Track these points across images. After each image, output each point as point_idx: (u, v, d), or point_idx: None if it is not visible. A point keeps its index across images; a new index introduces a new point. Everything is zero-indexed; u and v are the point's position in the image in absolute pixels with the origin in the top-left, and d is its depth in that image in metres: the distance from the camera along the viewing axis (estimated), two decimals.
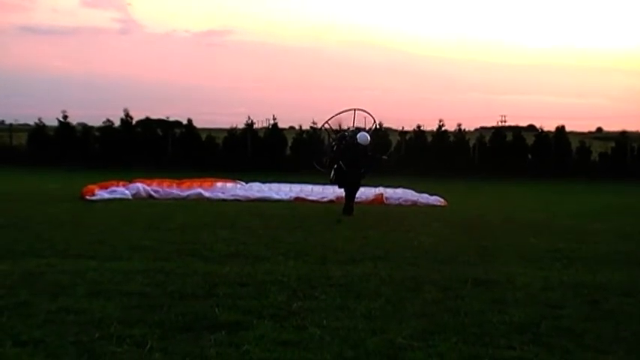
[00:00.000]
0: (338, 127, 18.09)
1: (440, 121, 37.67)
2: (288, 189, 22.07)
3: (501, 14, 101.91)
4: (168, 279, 8.58)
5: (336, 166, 16.35)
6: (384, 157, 18.05)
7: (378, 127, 24.42)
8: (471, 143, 37.67)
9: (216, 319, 6.71)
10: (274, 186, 22.54)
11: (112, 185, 20.17)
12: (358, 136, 16.26)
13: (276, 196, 20.82)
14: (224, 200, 19.83)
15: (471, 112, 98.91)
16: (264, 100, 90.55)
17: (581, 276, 9.43)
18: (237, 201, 19.91)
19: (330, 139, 17.76)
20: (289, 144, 36.47)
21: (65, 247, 10.90)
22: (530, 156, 37.01)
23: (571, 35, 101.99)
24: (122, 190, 19.80)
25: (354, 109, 17.70)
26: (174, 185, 21.29)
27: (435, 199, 20.25)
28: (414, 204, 19.88)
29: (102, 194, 19.16)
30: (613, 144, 37.35)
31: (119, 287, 8.01)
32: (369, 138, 16.43)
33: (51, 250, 10.48)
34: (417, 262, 10.29)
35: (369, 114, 18.14)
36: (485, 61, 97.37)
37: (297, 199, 20.50)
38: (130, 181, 20.81)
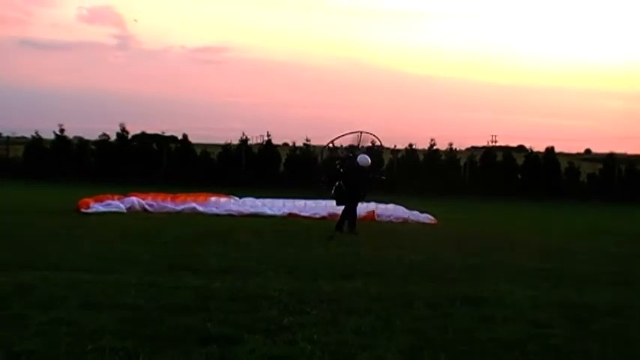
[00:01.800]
0: (341, 147, 18.11)
1: (431, 140, 37.86)
2: (281, 204, 22.00)
3: (493, 36, 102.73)
4: (160, 292, 8.56)
5: (337, 183, 16.36)
6: (383, 177, 18.14)
7: (380, 148, 24.48)
8: (462, 162, 37.79)
9: (207, 333, 6.69)
10: (267, 201, 22.44)
11: (107, 199, 20.17)
12: (359, 158, 16.39)
13: (270, 212, 20.77)
14: (217, 215, 19.86)
15: (461, 132, 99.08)
16: (259, 117, 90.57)
17: (568, 295, 9.45)
18: (230, 216, 19.93)
19: (335, 158, 17.75)
20: (283, 160, 36.50)
21: (59, 259, 10.89)
22: (519, 176, 37.13)
23: (562, 58, 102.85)
24: (117, 204, 19.82)
25: (360, 132, 17.70)
26: (169, 199, 21.28)
27: (425, 217, 20.28)
28: (405, 221, 19.90)
29: (97, 207, 19.15)
30: (601, 165, 37.54)
31: (112, 300, 7.99)
32: (369, 160, 16.56)
33: (45, 263, 10.45)
34: (407, 279, 10.31)
35: (375, 136, 18.44)
36: (477, 81, 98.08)
37: (290, 214, 20.48)
38: (125, 195, 20.81)
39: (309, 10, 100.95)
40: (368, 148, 18.53)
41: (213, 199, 22.28)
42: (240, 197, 23.05)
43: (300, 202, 21.90)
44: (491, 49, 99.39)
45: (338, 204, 16.73)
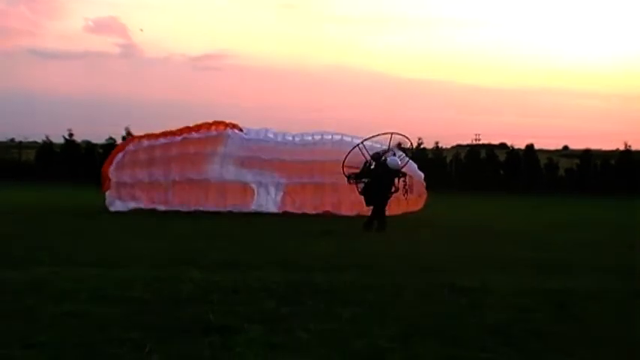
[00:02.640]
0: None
1: (419, 138, 37.86)
2: (290, 137, 20.06)
3: (476, 41, 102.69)
4: (164, 286, 8.54)
5: (365, 182, 16.13)
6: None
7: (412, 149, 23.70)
8: (448, 159, 37.83)
9: (210, 323, 6.67)
10: (277, 133, 20.20)
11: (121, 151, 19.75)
12: (389, 160, 16.03)
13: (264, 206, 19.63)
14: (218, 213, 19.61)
15: (447, 131, 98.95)
16: (256, 120, 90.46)
17: (550, 282, 9.46)
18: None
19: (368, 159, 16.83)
20: None
21: (68, 256, 10.86)
22: (502, 171, 37.19)
23: (540, 60, 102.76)
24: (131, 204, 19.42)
25: (391, 133, 17.37)
26: (176, 136, 19.70)
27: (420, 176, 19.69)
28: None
29: (115, 205, 19.13)
30: (578, 161, 37.61)
31: (119, 293, 7.97)
32: (399, 162, 16.28)
33: (56, 259, 10.42)
34: (399, 270, 10.29)
35: (406, 138, 18.02)
36: (461, 84, 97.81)
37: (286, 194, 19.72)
38: (135, 140, 20.26)
39: (307, 19, 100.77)
40: (401, 149, 18.23)
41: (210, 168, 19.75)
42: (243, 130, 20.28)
43: (308, 137, 20.04)
44: (474, 53, 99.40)
45: (367, 204, 16.30)
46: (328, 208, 19.64)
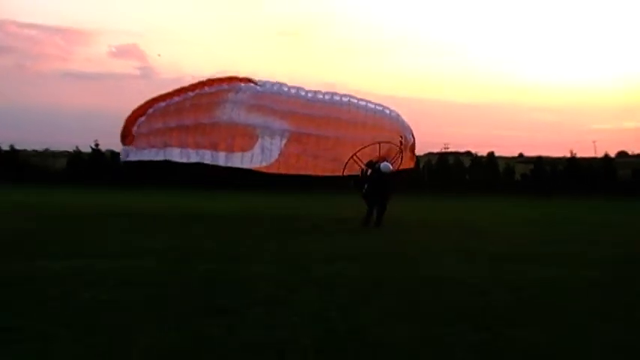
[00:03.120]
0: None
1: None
2: (303, 92, 17.90)
3: (444, 62, 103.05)
4: (179, 275, 8.58)
5: (365, 187, 15.94)
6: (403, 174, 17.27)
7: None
8: (421, 165, 37.85)
9: (217, 307, 6.72)
10: (284, 90, 17.93)
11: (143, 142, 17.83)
12: (382, 166, 15.90)
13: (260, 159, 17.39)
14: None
15: (420, 140, 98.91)
16: None
17: (510, 272, 9.49)
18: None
19: (363, 167, 16.58)
20: None
21: (99, 249, 10.90)
22: (467, 176, 37.27)
23: (500, 80, 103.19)
24: (153, 153, 17.82)
25: (379, 143, 16.78)
26: (190, 92, 17.80)
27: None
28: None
29: (129, 155, 17.92)
30: (532, 166, 37.73)
31: (140, 281, 8.02)
32: (390, 167, 16.05)
33: (89, 252, 10.46)
34: (381, 263, 10.30)
35: (395, 145, 17.21)
36: (432, 100, 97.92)
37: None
38: (155, 102, 17.92)
39: (303, 46, 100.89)
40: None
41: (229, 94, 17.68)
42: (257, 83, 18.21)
43: (320, 95, 17.90)
44: (443, 74, 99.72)
45: (370, 206, 16.05)
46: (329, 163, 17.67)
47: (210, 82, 18.04)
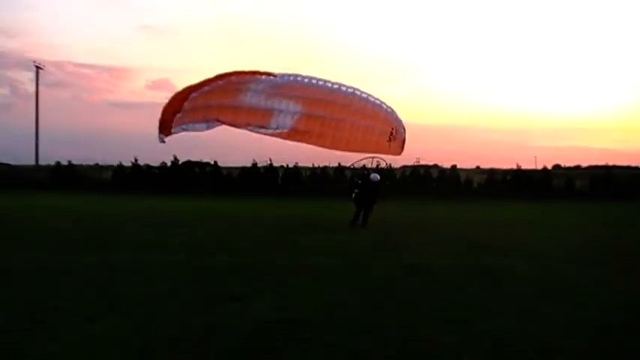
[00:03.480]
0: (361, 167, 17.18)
1: (377, 161, 37.70)
2: (315, 81, 16.80)
3: (413, 88, 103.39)
4: (198, 267, 8.64)
5: (355, 192, 16.03)
6: (387, 182, 17.24)
7: (388, 167, 22.35)
8: (398, 175, 37.90)
9: (232, 293, 6.77)
10: (298, 79, 16.81)
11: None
12: (371, 176, 16.14)
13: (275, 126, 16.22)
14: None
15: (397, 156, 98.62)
16: (262, 146, 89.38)
17: (482, 262, 9.41)
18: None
19: (355, 177, 16.73)
20: (280, 175, 36.11)
21: (131, 243, 10.88)
22: (434, 184, 37.35)
23: (461, 105, 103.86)
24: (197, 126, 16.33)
25: (372, 157, 16.71)
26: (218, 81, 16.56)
27: None
28: None
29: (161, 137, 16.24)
30: (486, 176, 37.89)
31: (164, 274, 8.06)
32: (378, 177, 16.24)
33: (123, 246, 10.49)
34: (365, 254, 10.33)
35: (383, 159, 17.27)
36: (407, 122, 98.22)
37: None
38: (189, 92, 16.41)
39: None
40: (380, 168, 17.68)
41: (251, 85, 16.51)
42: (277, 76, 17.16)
43: (329, 84, 16.62)
44: (413, 99, 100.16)
45: (358, 208, 15.99)
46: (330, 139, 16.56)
47: (236, 73, 17.20)
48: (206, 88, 17.16)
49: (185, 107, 17.19)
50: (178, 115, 17.32)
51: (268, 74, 17.28)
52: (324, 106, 16.94)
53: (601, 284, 7.86)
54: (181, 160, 36.59)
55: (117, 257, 9.30)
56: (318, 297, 6.68)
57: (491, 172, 38.08)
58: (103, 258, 9.22)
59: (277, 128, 16.44)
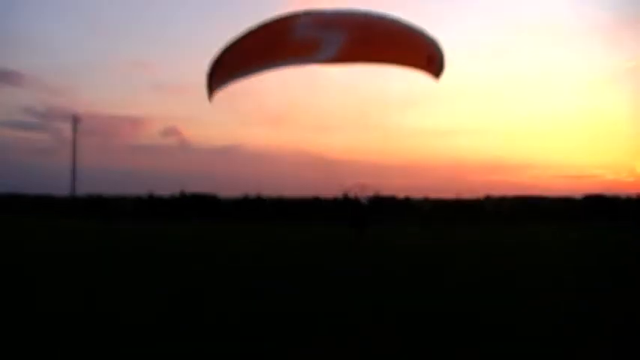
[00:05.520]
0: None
1: (345, 190, 38.68)
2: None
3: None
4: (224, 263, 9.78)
5: (350, 214, 16.44)
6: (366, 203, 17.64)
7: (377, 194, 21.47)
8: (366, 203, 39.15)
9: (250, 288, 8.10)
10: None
11: None
12: (361, 200, 16.29)
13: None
14: None
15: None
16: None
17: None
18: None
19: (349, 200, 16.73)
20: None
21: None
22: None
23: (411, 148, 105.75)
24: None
25: (361, 183, 16.23)
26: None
27: None
28: None
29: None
30: (430, 205, 40.50)
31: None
32: (367, 202, 16.65)
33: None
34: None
35: (369, 186, 17.01)
36: (365, 161, 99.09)
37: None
38: None
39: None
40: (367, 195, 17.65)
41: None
42: None
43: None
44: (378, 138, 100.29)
45: (352, 227, 16.20)
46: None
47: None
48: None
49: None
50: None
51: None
52: (366, 34, 11.73)
53: None
54: (187, 192, 38.32)
55: None
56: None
57: (439, 201, 40.31)
58: None
59: (325, 57, 11.41)
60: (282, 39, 10.63)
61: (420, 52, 9.96)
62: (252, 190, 37.81)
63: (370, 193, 18.52)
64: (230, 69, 11.98)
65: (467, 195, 41.72)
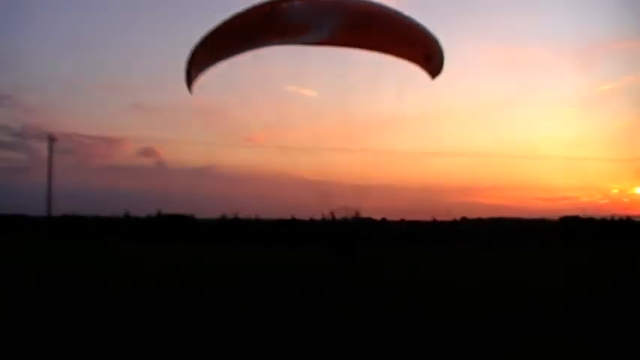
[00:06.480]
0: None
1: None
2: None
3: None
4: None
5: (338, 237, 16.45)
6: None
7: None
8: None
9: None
10: None
11: None
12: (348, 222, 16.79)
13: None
14: None
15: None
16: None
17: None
18: None
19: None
20: None
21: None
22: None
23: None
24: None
25: (345, 207, 17.41)
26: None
27: None
28: None
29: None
30: (406, 227, 41.09)
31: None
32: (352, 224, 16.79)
33: None
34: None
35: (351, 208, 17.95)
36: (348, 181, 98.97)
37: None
38: None
39: None
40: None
41: None
42: None
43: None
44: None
45: (337, 252, 15.02)
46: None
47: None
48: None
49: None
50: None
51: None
52: (364, 16, 10.83)
53: None
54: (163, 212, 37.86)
55: None
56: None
57: (415, 223, 40.84)
58: None
59: (314, 38, 10.65)
60: (273, 20, 9.83)
61: (418, 46, 9.42)
62: (228, 211, 37.50)
63: (352, 214, 18.28)
64: (214, 50, 10.96)
65: (443, 217, 41.80)
